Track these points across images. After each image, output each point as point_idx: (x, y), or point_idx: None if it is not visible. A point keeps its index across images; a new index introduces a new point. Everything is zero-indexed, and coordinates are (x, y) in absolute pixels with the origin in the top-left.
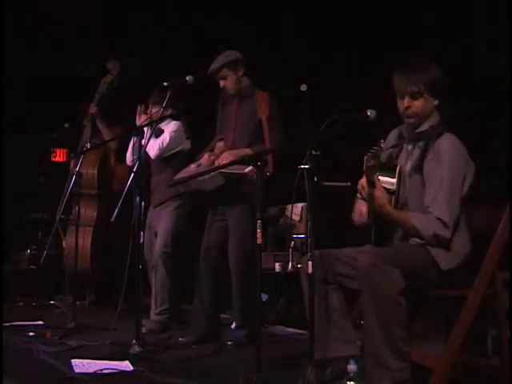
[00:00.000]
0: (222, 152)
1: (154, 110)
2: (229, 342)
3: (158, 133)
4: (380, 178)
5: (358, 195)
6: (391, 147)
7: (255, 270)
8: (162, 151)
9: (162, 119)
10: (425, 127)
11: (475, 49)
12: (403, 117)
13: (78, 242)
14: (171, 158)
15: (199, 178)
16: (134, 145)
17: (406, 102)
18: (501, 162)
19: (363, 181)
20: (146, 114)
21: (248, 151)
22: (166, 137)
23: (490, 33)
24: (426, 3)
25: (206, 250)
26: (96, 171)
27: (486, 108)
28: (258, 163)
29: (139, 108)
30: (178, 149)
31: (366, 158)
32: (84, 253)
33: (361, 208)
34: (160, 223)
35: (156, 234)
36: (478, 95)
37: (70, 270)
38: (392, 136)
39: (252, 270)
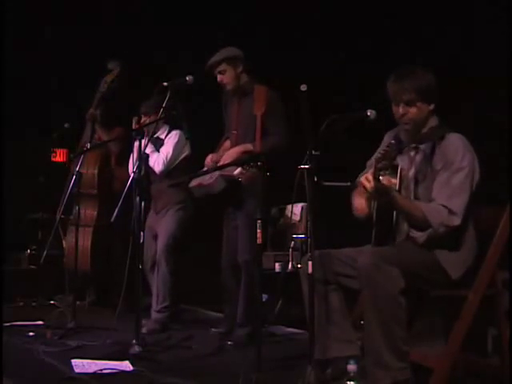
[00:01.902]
0: (225, 152)
1: (147, 121)
2: (229, 342)
3: (157, 143)
4: (381, 178)
5: (360, 188)
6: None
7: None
8: (168, 166)
9: (159, 121)
10: (425, 130)
11: (476, 48)
12: (400, 123)
13: (79, 242)
14: (175, 167)
15: (206, 183)
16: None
17: (401, 109)
18: (501, 162)
19: (367, 176)
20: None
21: (248, 146)
22: (168, 150)
23: (491, 31)
24: (426, 3)
25: (227, 252)
26: (97, 171)
27: (485, 108)
28: (258, 163)
29: (134, 120)
30: (182, 157)
31: (376, 157)
32: (84, 253)
33: (360, 201)
34: (161, 224)
35: (156, 236)
36: (478, 95)
37: (70, 269)
38: (387, 138)
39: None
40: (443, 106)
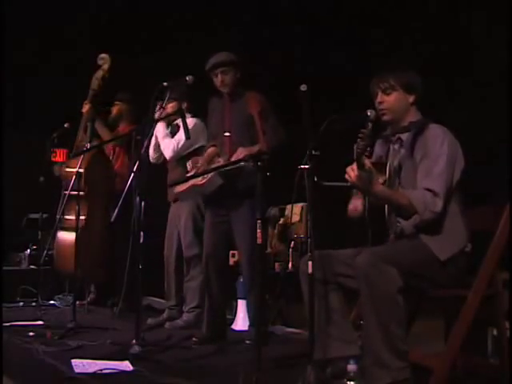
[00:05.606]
0: (209, 157)
1: (169, 105)
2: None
3: (174, 130)
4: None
5: (354, 191)
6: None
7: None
8: (177, 152)
9: (177, 113)
10: (405, 123)
11: (475, 47)
12: (379, 114)
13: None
14: (189, 156)
15: (200, 183)
16: (155, 142)
17: (379, 97)
18: (501, 161)
19: (352, 166)
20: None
21: (254, 149)
22: (181, 137)
23: (491, 30)
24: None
25: (213, 251)
26: (84, 171)
27: (485, 108)
28: (258, 163)
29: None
30: (196, 146)
31: (356, 144)
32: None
33: (356, 203)
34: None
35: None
36: (477, 95)
37: (60, 271)
38: (378, 146)
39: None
40: (442, 104)
